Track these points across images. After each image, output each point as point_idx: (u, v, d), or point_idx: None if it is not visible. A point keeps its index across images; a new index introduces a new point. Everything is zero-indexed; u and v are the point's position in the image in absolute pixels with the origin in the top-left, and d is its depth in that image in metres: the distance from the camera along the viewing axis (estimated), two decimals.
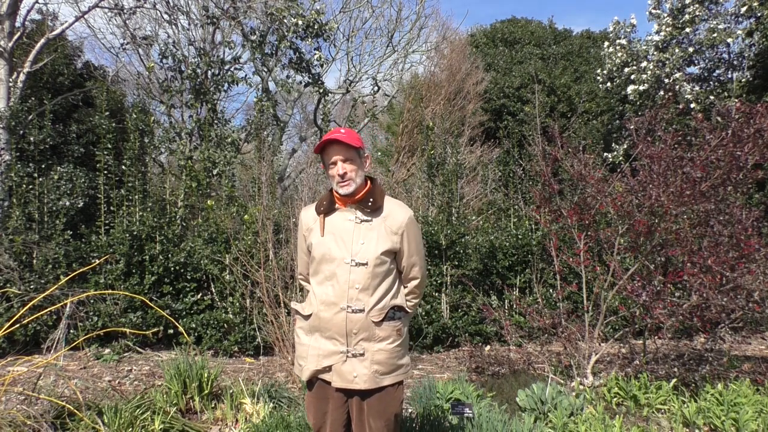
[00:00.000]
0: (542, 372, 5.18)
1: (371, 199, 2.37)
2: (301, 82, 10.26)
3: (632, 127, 5.26)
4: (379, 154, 16.21)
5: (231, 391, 4.20)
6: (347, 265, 2.31)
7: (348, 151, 2.31)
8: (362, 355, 2.31)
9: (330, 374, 2.35)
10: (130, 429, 3.57)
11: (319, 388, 2.41)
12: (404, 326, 2.44)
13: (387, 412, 2.36)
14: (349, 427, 2.43)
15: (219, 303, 6.13)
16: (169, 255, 6.10)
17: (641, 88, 12.77)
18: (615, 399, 4.37)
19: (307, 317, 2.42)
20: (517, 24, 18.83)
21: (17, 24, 7.83)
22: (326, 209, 2.41)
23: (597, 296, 4.95)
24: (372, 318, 2.31)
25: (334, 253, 2.33)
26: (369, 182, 2.42)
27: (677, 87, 12.26)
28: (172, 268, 6.07)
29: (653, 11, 13.20)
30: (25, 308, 4.15)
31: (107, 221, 6.36)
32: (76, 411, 3.54)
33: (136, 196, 6.47)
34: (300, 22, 9.13)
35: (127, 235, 6.03)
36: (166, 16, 10.50)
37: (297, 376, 2.58)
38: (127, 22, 10.00)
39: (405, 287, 2.49)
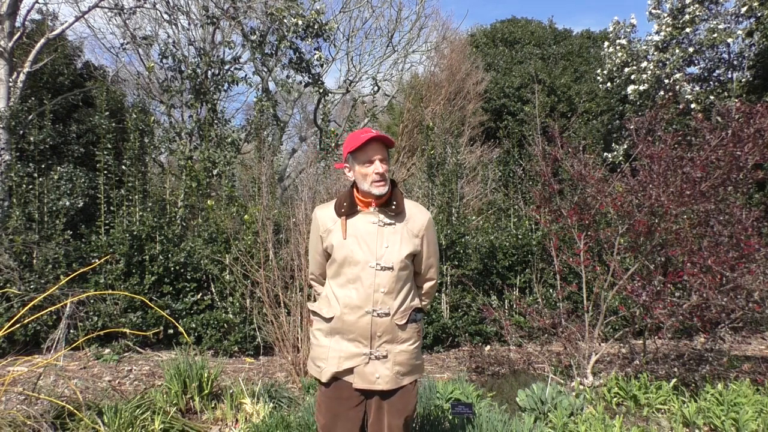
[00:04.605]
0: (542, 372, 5.18)
1: (395, 202, 2.35)
2: (301, 82, 10.25)
3: (632, 127, 5.25)
4: None
5: (231, 391, 4.20)
6: (372, 269, 2.28)
7: (386, 150, 2.30)
8: (385, 357, 2.32)
9: (351, 376, 2.33)
10: (130, 429, 3.57)
11: (335, 389, 2.36)
12: (422, 327, 2.51)
13: (407, 410, 2.38)
14: (361, 427, 2.40)
15: (219, 303, 6.13)
16: (169, 255, 6.10)
17: (641, 88, 12.77)
18: (615, 399, 4.37)
19: (328, 320, 2.36)
20: (517, 24, 18.82)
21: (17, 24, 7.82)
22: (347, 211, 2.35)
23: (597, 296, 4.94)
24: (396, 321, 2.32)
25: (357, 256, 2.30)
26: (390, 185, 2.40)
27: (677, 87, 12.26)
28: (172, 268, 6.07)
29: (653, 11, 13.20)
30: (25, 308, 4.15)
31: (107, 221, 6.35)
32: (76, 411, 3.54)
33: (136, 196, 6.47)
34: (300, 22, 9.13)
35: (127, 235, 6.03)
36: (166, 16, 10.50)
37: (313, 377, 2.56)
38: (127, 22, 9.99)
39: (420, 288, 2.51)
